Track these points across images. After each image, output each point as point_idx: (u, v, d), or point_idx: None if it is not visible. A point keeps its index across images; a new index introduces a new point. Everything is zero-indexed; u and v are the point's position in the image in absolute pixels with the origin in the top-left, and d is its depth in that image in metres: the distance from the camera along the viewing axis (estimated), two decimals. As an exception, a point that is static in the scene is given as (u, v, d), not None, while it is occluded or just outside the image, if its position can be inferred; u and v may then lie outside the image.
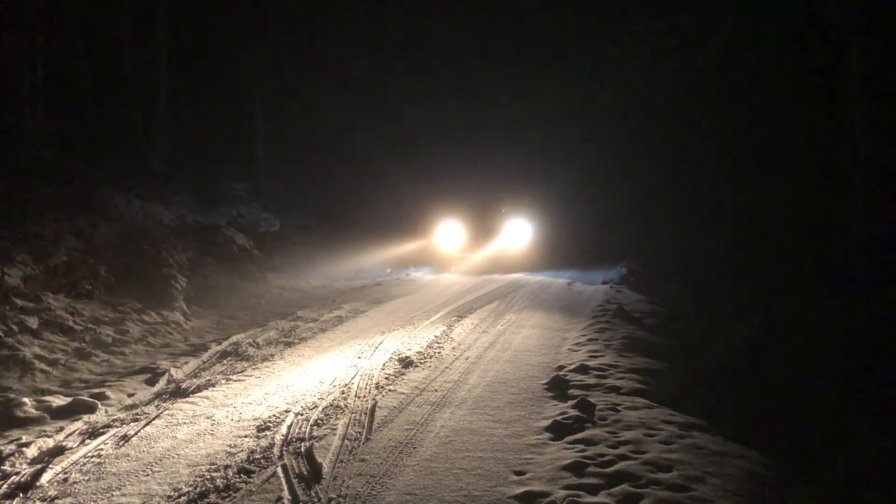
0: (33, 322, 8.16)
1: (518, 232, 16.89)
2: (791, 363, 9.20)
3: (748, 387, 8.26)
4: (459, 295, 12.63)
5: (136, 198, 13.27)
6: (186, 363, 7.98)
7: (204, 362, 8.16)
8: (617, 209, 20.65)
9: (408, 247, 17.73)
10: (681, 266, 16.98)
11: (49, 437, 5.38)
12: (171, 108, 16.86)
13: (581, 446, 4.89)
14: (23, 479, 4.53)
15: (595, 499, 4.03)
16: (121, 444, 5.18)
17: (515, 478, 4.41)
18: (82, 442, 5.30)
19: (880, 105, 13.17)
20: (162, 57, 16.65)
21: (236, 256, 14.31)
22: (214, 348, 8.69)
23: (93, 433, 5.49)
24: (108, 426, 5.67)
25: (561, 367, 7.15)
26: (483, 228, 16.92)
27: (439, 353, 7.93)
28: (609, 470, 4.43)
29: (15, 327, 7.89)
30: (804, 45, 16.93)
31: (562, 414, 5.59)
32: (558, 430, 5.25)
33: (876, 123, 13.31)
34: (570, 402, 5.88)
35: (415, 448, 4.93)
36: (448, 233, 17.01)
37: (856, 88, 13.30)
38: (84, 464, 4.81)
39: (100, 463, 4.81)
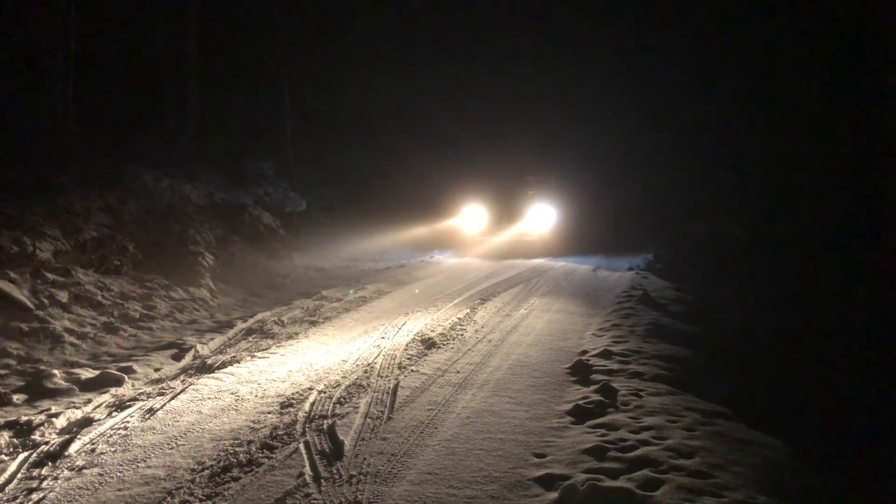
0: (63, 296, 8.29)
1: (542, 216, 16.79)
2: (818, 354, 9.09)
3: (773, 376, 8.19)
4: (483, 278, 12.62)
5: (164, 175, 13.39)
6: (212, 339, 8.07)
7: (229, 339, 8.26)
8: (643, 195, 20.45)
9: (431, 229, 17.73)
10: (708, 253, 16.82)
11: (77, 408, 5.48)
12: (201, 87, 16.95)
13: (602, 430, 4.87)
14: (52, 449, 4.63)
15: (616, 483, 4.02)
16: (147, 417, 5.27)
17: (536, 460, 4.41)
18: (109, 414, 5.39)
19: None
20: (192, 36, 16.72)
21: (262, 235, 14.43)
22: (240, 325, 8.78)
23: (120, 406, 5.59)
24: (134, 399, 5.76)
25: (584, 352, 7.13)
26: (507, 212, 16.87)
27: (462, 335, 7.94)
28: (630, 455, 4.41)
29: (45, 301, 8.03)
30: (843, 31, 16.60)
31: (584, 398, 5.58)
32: (580, 414, 5.24)
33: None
34: (593, 387, 5.86)
35: (436, 428, 4.95)
36: (472, 216, 16.98)
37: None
38: (111, 435, 4.89)
39: (126, 435, 4.90)
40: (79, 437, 4.83)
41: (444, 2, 23.68)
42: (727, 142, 20.80)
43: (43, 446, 4.67)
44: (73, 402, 5.66)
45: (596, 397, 5.57)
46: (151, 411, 5.38)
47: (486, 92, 22.06)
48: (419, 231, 17.73)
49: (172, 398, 5.69)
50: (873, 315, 12.02)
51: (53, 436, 4.92)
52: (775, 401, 6.96)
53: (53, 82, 11.73)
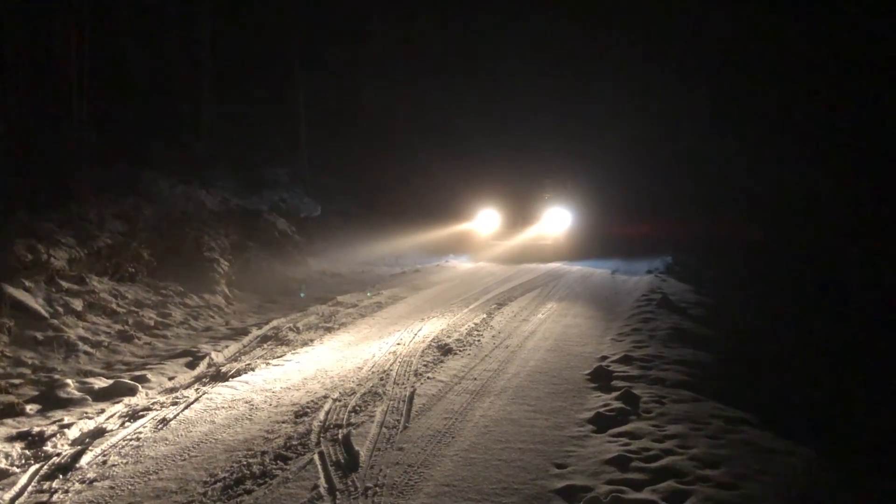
0: (78, 304, 8.25)
1: (557, 220, 16.62)
2: (845, 358, 8.88)
3: (797, 381, 8.00)
4: (499, 283, 12.49)
5: (179, 181, 13.38)
6: (227, 347, 8.00)
7: (244, 346, 8.18)
8: (661, 198, 20.27)
9: (446, 233, 17.61)
10: (726, 255, 16.60)
11: (90, 418, 5.42)
12: (215, 93, 16.95)
13: (625, 440, 4.74)
14: (63, 461, 4.55)
15: (640, 495, 3.89)
16: (159, 427, 5.18)
17: (557, 471, 4.29)
18: (122, 424, 5.32)
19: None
20: (206, 42, 16.73)
21: (277, 241, 14.37)
22: (255, 332, 8.71)
23: (133, 416, 5.51)
24: (147, 409, 5.69)
25: (604, 358, 6.99)
26: (522, 216, 16.72)
27: (479, 340, 7.82)
28: (654, 465, 4.28)
29: (60, 309, 7.99)
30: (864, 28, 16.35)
31: (605, 406, 5.45)
32: (601, 423, 5.11)
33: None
34: (614, 394, 5.74)
35: (453, 438, 4.83)
36: (486, 220, 16.85)
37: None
38: (123, 446, 4.81)
39: (138, 446, 4.81)
40: (91, 448, 4.75)
41: (461, 7, 23.53)
42: (744, 143, 20.56)
43: (54, 458, 4.60)
44: (86, 413, 5.60)
45: (617, 405, 5.44)
46: (164, 421, 5.30)
47: (503, 96, 21.93)
48: (434, 235, 17.61)
49: (186, 408, 5.61)
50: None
51: (65, 447, 4.86)
52: (801, 407, 6.77)
53: (68, 89, 11.73)
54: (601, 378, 6.31)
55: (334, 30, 20.99)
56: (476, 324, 8.67)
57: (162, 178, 12.97)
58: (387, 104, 21.99)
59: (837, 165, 17.96)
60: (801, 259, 16.19)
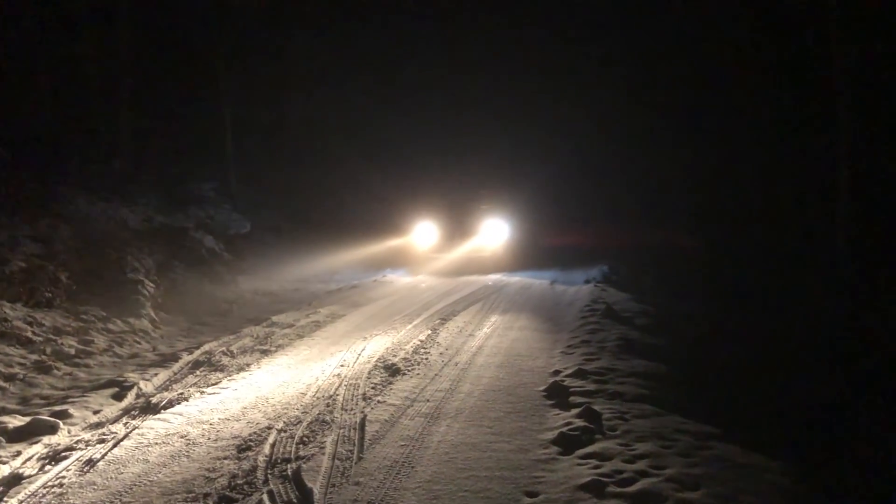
0: (-12, 334, 7.57)
1: (495, 231, 16.48)
2: (790, 362, 8.92)
3: (746, 386, 7.97)
4: (440, 297, 12.20)
5: (99, 199, 12.65)
6: (156, 375, 7.43)
7: (175, 374, 7.64)
8: (594, 207, 20.41)
9: (383, 247, 17.23)
10: (660, 263, 16.75)
11: (4, 463, 4.86)
12: (134, 106, 16.17)
13: (594, 461, 4.50)
14: (-27, 516, 4.03)
15: (621, 524, 3.65)
16: (85, 469, 4.68)
17: (529, 500, 4.00)
18: (42, 468, 4.78)
19: (865, 98, 12.92)
20: (123, 53, 15.98)
21: (205, 260, 13.74)
22: (186, 358, 8.16)
23: (54, 458, 4.97)
24: (71, 449, 5.15)
25: (557, 372, 6.78)
26: (459, 228, 16.48)
27: (427, 359, 7.50)
28: (631, 489, 4.04)
29: (-32, 340, 7.30)
30: (782, 34, 16.76)
31: (567, 424, 5.21)
32: (567, 444, 4.86)
33: (860, 113, 13.05)
34: (574, 411, 5.51)
35: (413, 468, 4.50)
36: (424, 233, 16.55)
37: (839, 80, 13.08)
38: (44, 495, 4.30)
39: (62, 493, 4.31)
40: (6, 498, 4.22)
41: (394, 16, 23.18)
42: (674, 153, 20.89)
43: (-37, 513, 4.07)
44: (0, 457, 5.03)
45: (580, 423, 5.21)
46: (91, 462, 4.79)
47: (440, 108, 21.69)
48: (370, 250, 17.21)
49: (114, 445, 5.11)
50: (831, 316, 11.98)
51: (-24, 499, 4.31)
52: (757, 415, 6.70)
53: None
54: (558, 394, 6.08)
55: (259, 42, 20.38)
56: (422, 341, 8.35)
57: (80, 196, 12.23)
58: (316, 116, 21.46)
59: (770, 170, 18.30)
60: (729, 264, 16.45)
